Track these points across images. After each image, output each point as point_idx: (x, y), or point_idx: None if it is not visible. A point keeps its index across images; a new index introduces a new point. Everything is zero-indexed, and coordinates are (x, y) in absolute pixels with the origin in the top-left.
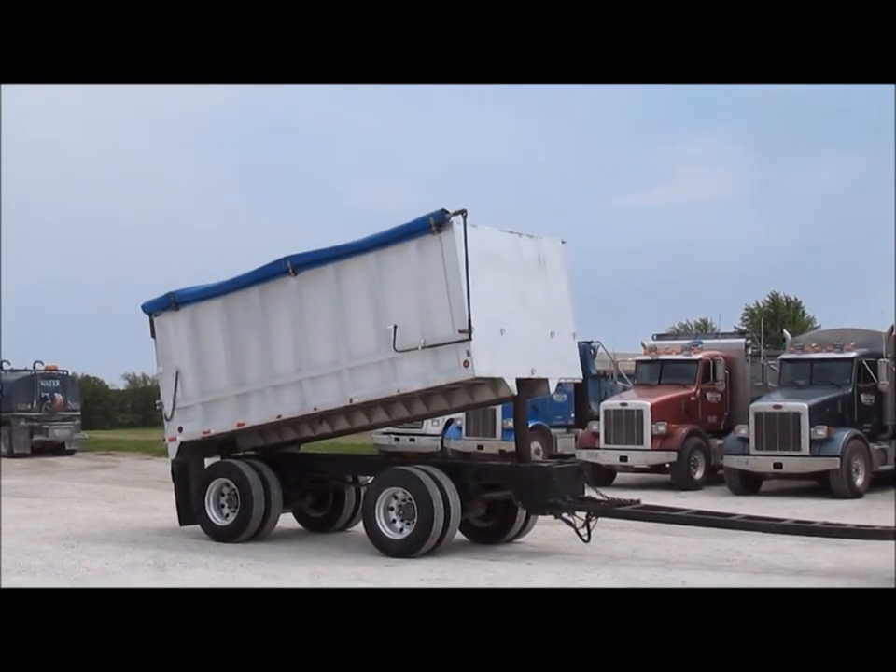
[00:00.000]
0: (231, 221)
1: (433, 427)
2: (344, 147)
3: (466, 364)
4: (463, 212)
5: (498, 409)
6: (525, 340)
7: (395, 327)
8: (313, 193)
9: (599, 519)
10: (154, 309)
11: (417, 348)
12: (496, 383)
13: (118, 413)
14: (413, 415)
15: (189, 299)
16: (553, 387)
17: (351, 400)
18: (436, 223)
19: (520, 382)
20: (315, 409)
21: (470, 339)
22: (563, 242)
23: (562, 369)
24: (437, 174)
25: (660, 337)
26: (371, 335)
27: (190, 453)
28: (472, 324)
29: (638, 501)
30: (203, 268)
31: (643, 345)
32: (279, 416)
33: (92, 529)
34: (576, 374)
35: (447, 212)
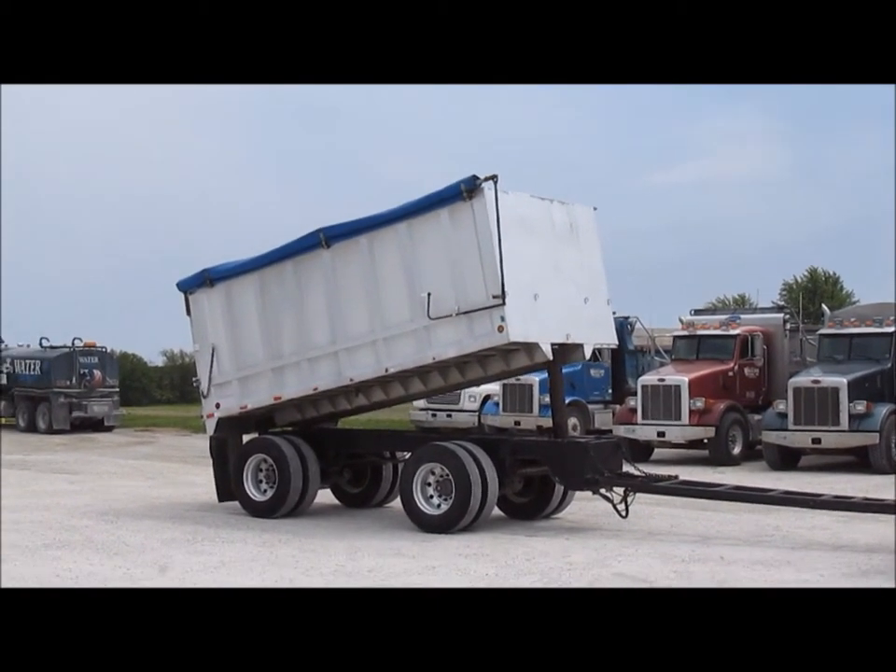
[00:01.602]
0: (266, 199)
1: (470, 402)
2: (378, 123)
3: (500, 329)
4: (494, 177)
5: (535, 384)
6: (558, 305)
7: (428, 294)
8: (347, 169)
9: (637, 495)
10: (189, 286)
11: (451, 315)
12: (530, 348)
13: (156, 390)
14: (449, 384)
15: (223, 275)
16: (588, 353)
17: (387, 370)
18: (467, 189)
19: (555, 348)
20: (352, 380)
21: (504, 304)
22: (594, 209)
23: (597, 334)
24: (469, 150)
25: (697, 312)
26: (405, 304)
27: (228, 429)
28: (505, 289)
29: (676, 477)
30: (239, 245)
31: (681, 321)
32: (315, 388)
33: (131, 505)
34: (611, 340)
35: (478, 178)
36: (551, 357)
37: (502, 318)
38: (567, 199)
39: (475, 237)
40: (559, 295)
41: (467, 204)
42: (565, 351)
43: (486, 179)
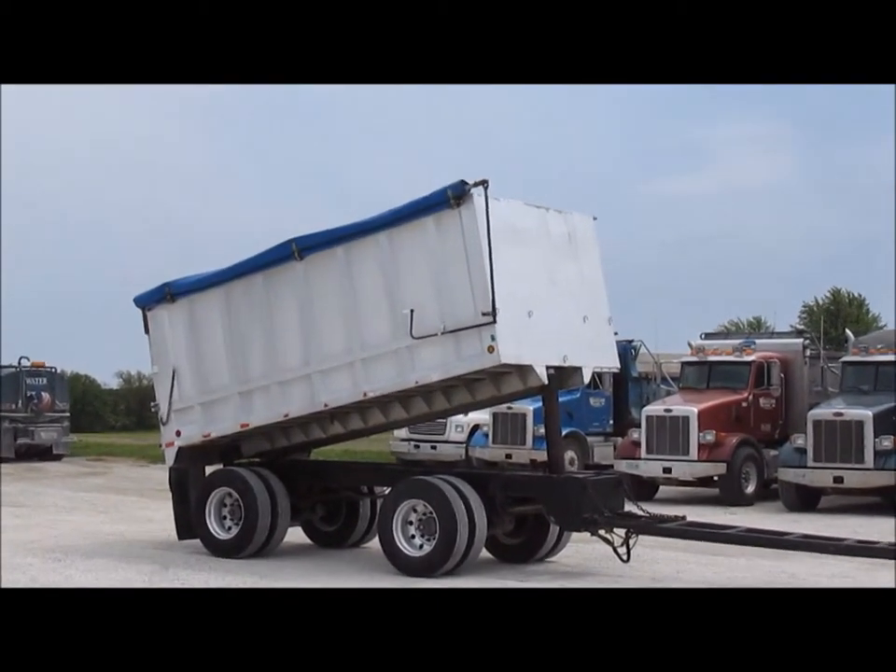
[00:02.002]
0: (231, 210)
1: (457, 433)
2: (362, 125)
3: (490, 349)
4: (484, 183)
5: (529, 414)
6: (555, 324)
7: (411, 311)
8: (316, 176)
9: (640, 537)
10: (148, 302)
11: (437, 334)
12: (523, 371)
13: (110, 415)
14: (434, 411)
15: (186, 289)
16: (587, 377)
17: (365, 395)
18: (454, 196)
19: (551, 371)
20: (326, 405)
21: (495, 322)
22: (594, 218)
23: (597, 356)
24: (459, 155)
25: (708, 336)
26: (386, 322)
27: (190, 459)
28: (497, 305)
29: (683, 517)
30: (203, 258)
31: (690, 345)
32: (286, 415)
33: (82, 541)
34: (613, 363)
35: (466, 183)
36: (546, 382)
37: (492, 338)
38: (565, 208)
39: (463, 248)
40: (556, 313)
41: (454, 212)
42: (561, 375)
43: (476, 185)
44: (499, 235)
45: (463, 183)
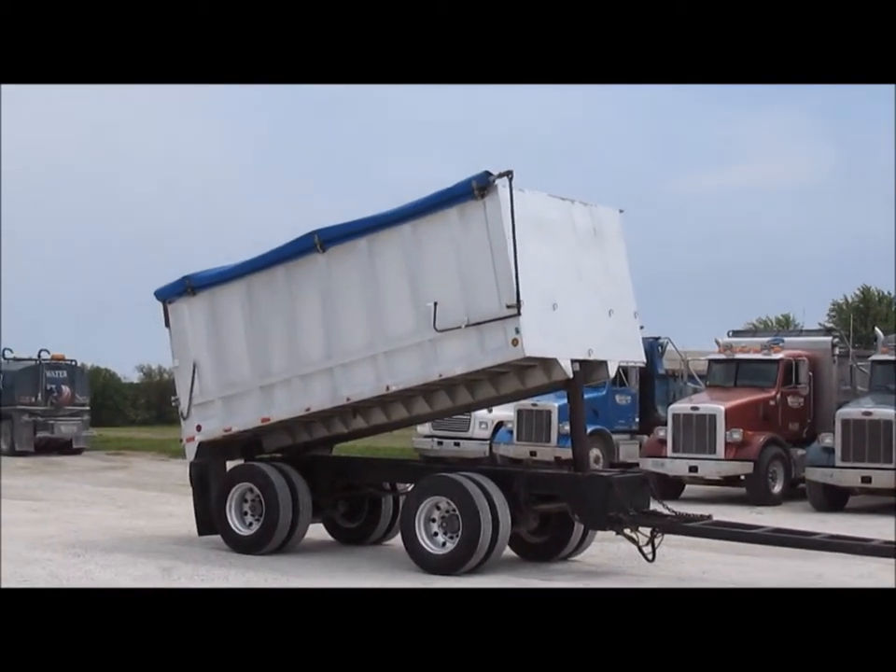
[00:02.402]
0: (257, 202)
1: (480, 429)
2: (389, 123)
3: (514, 342)
4: (509, 174)
5: (554, 411)
6: (580, 317)
7: (435, 304)
8: (350, 170)
9: (665, 536)
10: (168, 295)
11: (460, 327)
12: (548, 365)
13: (130, 409)
14: (457, 405)
15: (206, 282)
16: (612, 371)
17: (388, 388)
18: (479, 187)
19: (575, 366)
20: (349, 399)
21: (519, 314)
22: (620, 211)
23: (623, 351)
24: (483, 152)
25: (736, 334)
26: (409, 315)
27: (210, 454)
28: (521, 297)
29: (709, 517)
30: (231, 252)
31: (717, 343)
32: (308, 409)
33: (101, 536)
34: (639, 358)
35: (491, 174)
36: (570, 375)
37: (517, 331)
38: (591, 201)
39: (487, 239)
40: (581, 306)
41: (478, 203)
42: (586, 369)
43: (500, 176)
44: (524, 227)
45: (487, 174)
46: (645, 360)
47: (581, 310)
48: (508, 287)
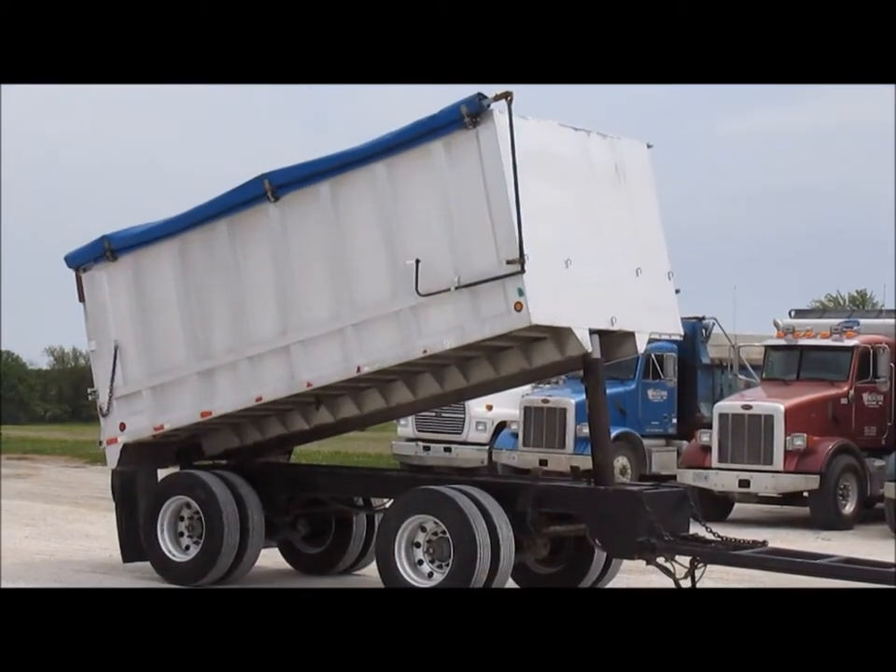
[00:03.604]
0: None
1: (478, 432)
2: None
3: (518, 307)
4: (507, 96)
5: (570, 409)
6: (600, 277)
7: (417, 262)
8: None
9: (708, 567)
10: (83, 261)
11: (449, 289)
12: (561, 336)
13: (38, 403)
14: (447, 392)
15: (130, 243)
16: (641, 346)
17: (359, 370)
18: (470, 114)
19: (595, 336)
20: (310, 385)
21: (523, 272)
22: (649, 146)
23: (654, 320)
24: None
25: (799, 314)
26: (384, 276)
27: (138, 460)
28: (525, 251)
29: (764, 543)
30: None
31: (776, 325)
32: (259, 399)
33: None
34: (675, 329)
35: (485, 97)
36: (589, 349)
37: (520, 292)
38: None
39: (481, 179)
40: (600, 263)
41: (470, 134)
42: (609, 343)
43: (497, 99)
44: (528, 163)
45: (480, 96)
46: (683, 335)
47: (601, 268)
48: (508, 237)
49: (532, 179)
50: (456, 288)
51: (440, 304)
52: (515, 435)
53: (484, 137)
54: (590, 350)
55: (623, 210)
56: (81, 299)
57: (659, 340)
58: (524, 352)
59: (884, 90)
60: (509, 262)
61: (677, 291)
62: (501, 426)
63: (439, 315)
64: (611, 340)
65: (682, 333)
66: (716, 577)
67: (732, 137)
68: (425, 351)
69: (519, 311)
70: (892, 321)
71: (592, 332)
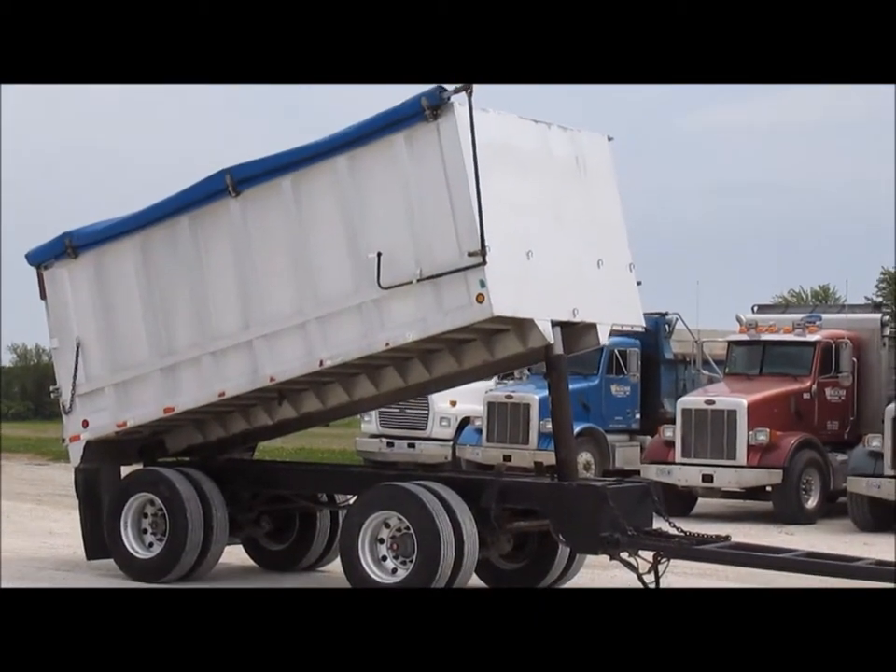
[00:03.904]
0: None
1: (441, 427)
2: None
3: (480, 298)
4: (467, 88)
5: (533, 405)
6: (561, 268)
7: (379, 255)
8: None
9: (672, 562)
10: (44, 258)
11: (411, 282)
12: (523, 328)
13: (1, 400)
14: (410, 385)
15: (91, 240)
16: (603, 337)
17: (322, 363)
18: (430, 106)
19: (557, 330)
20: (273, 379)
21: (485, 263)
22: (610, 139)
23: (616, 311)
24: None
25: (762, 309)
26: (346, 269)
27: (101, 457)
28: (486, 242)
29: (727, 538)
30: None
31: (739, 321)
32: (222, 394)
33: None
34: (636, 320)
35: (445, 89)
36: (551, 340)
37: (482, 283)
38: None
39: (442, 171)
40: (562, 255)
41: (430, 126)
42: (571, 334)
43: (457, 91)
44: (488, 155)
45: (440, 89)
46: (646, 330)
47: (563, 260)
48: (469, 229)
49: (493, 171)
50: (418, 281)
51: (402, 297)
52: (479, 431)
53: (445, 129)
54: (552, 342)
55: (585, 202)
56: (43, 296)
57: (622, 334)
58: (486, 344)
59: (853, 88)
60: (470, 254)
61: (638, 283)
62: (465, 421)
63: (401, 308)
64: (573, 331)
65: (644, 325)
66: (679, 571)
67: (694, 133)
68: (387, 344)
69: (481, 302)
70: (854, 316)
71: (554, 324)
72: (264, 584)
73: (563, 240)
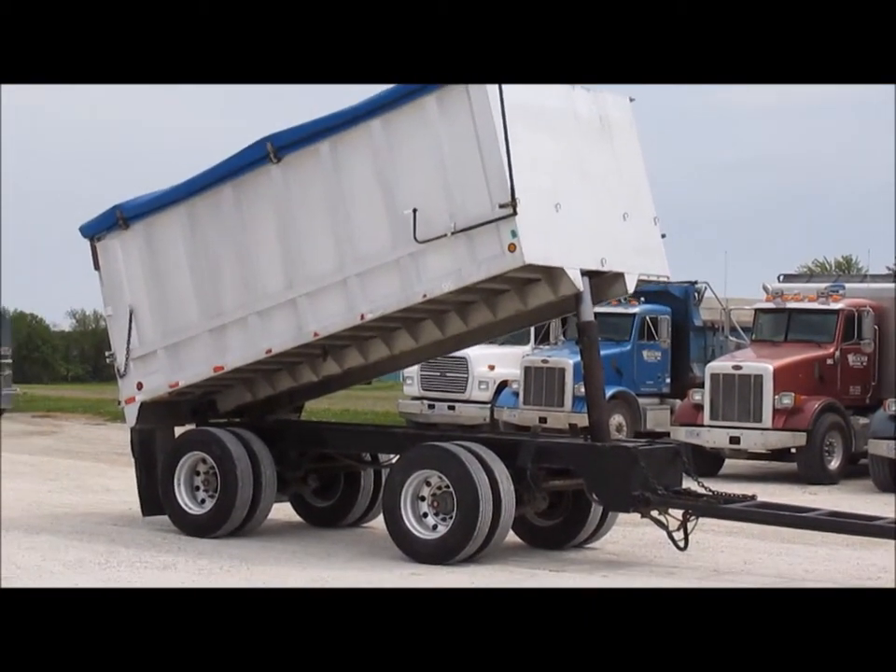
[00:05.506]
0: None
1: (480, 391)
2: None
3: (511, 248)
4: None
5: (568, 369)
6: (588, 220)
7: (414, 211)
8: None
9: (700, 520)
10: (97, 231)
11: (446, 235)
12: (553, 276)
13: (61, 363)
14: (448, 337)
15: (141, 211)
16: (631, 286)
17: (362, 317)
18: None
19: (586, 280)
20: (317, 335)
21: (515, 213)
22: (631, 100)
23: (642, 262)
24: None
25: (788, 278)
26: (384, 226)
27: (155, 418)
28: (516, 194)
29: (753, 497)
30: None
31: (765, 289)
32: (269, 351)
33: (24, 514)
34: (662, 271)
35: None
36: (581, 288)
37: (513, 233)
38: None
39: (473, 129)
40: (589, 207)
41: (461, 88)
42: (600, 284)
43: None
44: (517, 113)
45: None
46: (669, 273)
47: (590, 212)
48: (500, 182)
49: (521, 129)
50: (453, 234)
51: (437, 250)
52: (516, 394)
53: (476, 91)
54: (581, 289)
55: (609, 158)
56: (97, 267)
57: (654, 302)
58: (519, 294)
59: None
60: (501, 206)
61: (663, 236)
62: (503, 385)
63: (437, 261)
64: (602, 281)
65: (669, 275)
66: (707, 529)
67: (727, 106)
68: (425, 295)
69: (513, 252)
70: (876, 285)
71: (583, 273)
72: (311, 539)
73: (589, 194)
